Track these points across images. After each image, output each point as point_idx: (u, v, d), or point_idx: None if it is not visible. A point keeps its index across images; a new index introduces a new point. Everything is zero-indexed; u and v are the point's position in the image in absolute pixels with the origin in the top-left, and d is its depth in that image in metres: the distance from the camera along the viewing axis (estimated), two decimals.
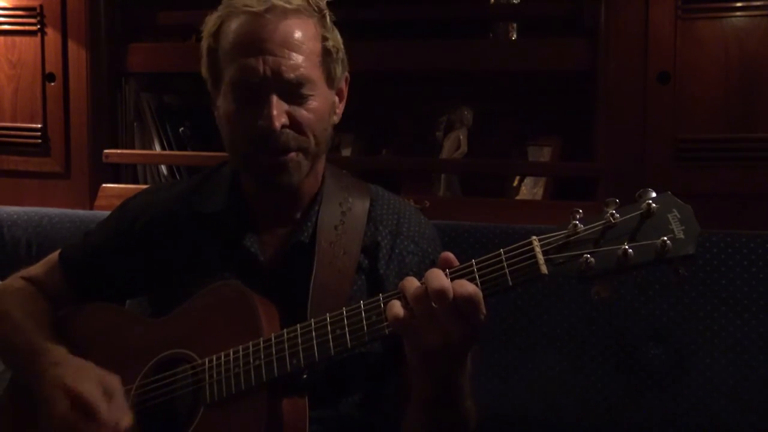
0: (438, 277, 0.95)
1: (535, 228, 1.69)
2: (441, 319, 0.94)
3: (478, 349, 1.05)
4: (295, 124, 1.18)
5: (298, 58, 1.17)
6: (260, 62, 1.15)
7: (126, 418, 1.13)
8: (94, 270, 1.39)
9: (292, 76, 1.16)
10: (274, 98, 1.16)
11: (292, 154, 1.19)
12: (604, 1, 1.84)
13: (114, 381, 1.16)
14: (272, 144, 1.17)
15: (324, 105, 1.22)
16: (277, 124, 1.15)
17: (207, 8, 1.26)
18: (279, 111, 1.16)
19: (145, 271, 1.33)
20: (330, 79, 1.24)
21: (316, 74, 1.20)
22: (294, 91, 1.17)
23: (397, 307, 0.97)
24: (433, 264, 1.26)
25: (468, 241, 1.71)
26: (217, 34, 1.21)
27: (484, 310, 0.95)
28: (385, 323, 1.01)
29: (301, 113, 1.18)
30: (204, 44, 1.25)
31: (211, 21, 1.24)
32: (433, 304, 0.94)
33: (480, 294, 0.94)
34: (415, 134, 2.37)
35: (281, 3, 1.17)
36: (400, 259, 1.27)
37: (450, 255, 1.01)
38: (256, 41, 1.16)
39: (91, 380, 1.15)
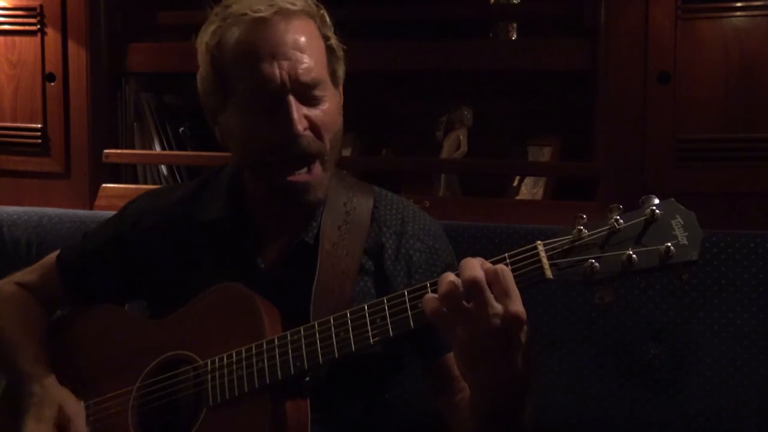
0: (473, 267, 0.90)
1: (535, 228, 1.70)
2: (469, 309, 0.89)
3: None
4: (313, 127, 1.16)
5: (310, 60, 1.14)
6: (275, 67, 1.12)
7: None
8: (92, 273, 1.39)
9: (308, 78, 1.14)
10: (294, 102, 1.13)
11: (316, 169, 1.17)
12: (604, 1, 1.84)
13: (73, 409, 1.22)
14: (294, 149, 1.14)
15: (334, 105, 1.20)
16: (300, 128, 1.13)
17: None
18: (299, 114, 1.14)
19: (144, 277, 1.33)
20: (335, 78, 1.23)
21: (324, 75, 1.19)
22: (308, 94, 1.15)
23: (432, 301, 0.92)
24: (442, 260, 1.27)
25: (468, 241, 1.71)
26: (219, 46, 1.17)
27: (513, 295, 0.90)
28: (390, 326, 1.01)
29: (317, 115, 1.16)
30: (205, 60, 1.19)
31: (206, 35, 1.19)
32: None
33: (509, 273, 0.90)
34: (415, 134, 2.38)
35: (286, 5, 1.15)
36: (408, 258, 1.26)
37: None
38: (268, 46, 1.12)
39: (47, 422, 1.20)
